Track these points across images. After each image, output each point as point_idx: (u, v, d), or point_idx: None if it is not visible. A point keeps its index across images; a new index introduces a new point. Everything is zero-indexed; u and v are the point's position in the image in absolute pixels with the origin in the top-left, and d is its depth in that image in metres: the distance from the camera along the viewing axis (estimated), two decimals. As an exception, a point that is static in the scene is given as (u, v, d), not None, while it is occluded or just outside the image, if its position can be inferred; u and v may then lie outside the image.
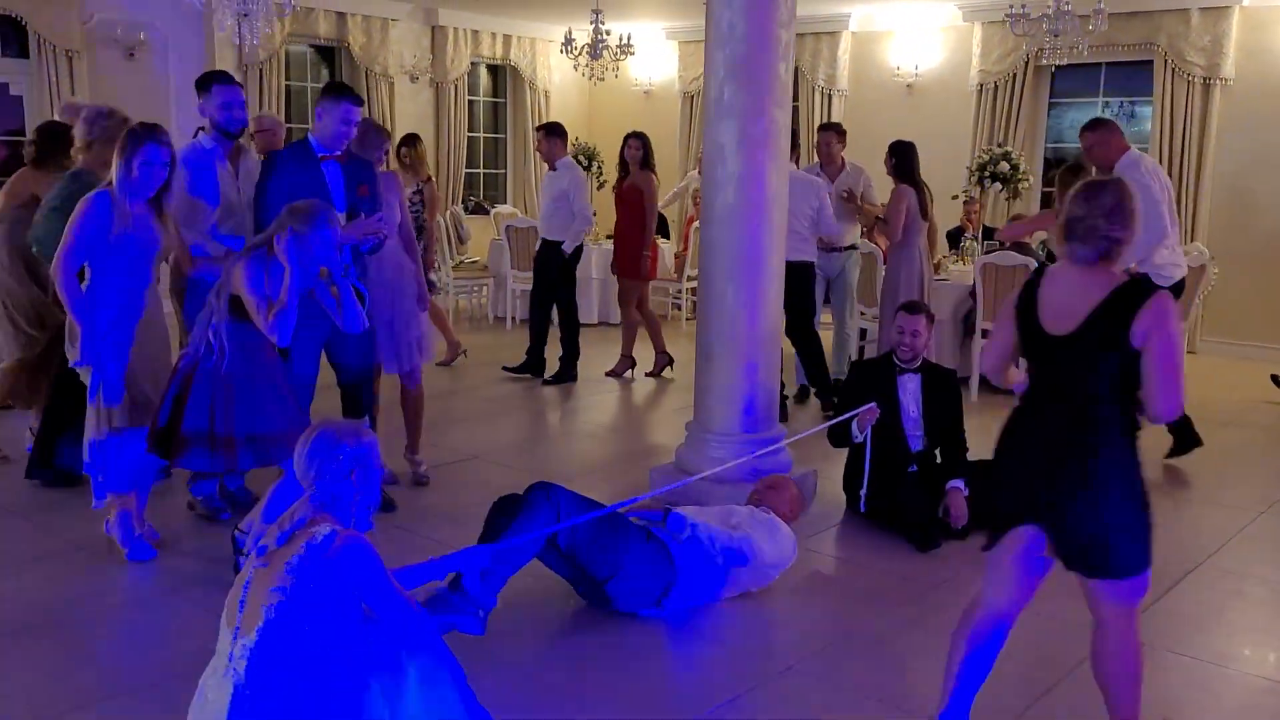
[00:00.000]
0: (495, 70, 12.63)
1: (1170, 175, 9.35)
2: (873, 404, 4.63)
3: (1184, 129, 9.19)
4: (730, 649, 3.57)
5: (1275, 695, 3.36)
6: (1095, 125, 5.73)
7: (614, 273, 7.95)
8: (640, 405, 7.31)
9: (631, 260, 7.63)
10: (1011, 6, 7.73)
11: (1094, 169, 5.56)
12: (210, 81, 4.59)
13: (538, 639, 3.60)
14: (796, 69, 9.53)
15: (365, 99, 11.12)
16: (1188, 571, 4.29)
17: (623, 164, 7.76)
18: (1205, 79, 9.04)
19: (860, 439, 4.69)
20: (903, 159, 6.75)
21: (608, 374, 7.85)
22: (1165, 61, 9.16)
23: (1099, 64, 9.69)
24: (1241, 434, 6.58)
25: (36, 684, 3.20)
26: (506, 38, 12.11)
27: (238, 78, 10.19)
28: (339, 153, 4.50)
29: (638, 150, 7.60)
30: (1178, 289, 5.72)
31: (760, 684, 3.30)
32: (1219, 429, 6.36)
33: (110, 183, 3.93)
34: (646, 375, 7.86)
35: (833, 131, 7.31)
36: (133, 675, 3.27)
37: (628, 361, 7.89)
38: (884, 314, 6.75)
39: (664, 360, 7.88)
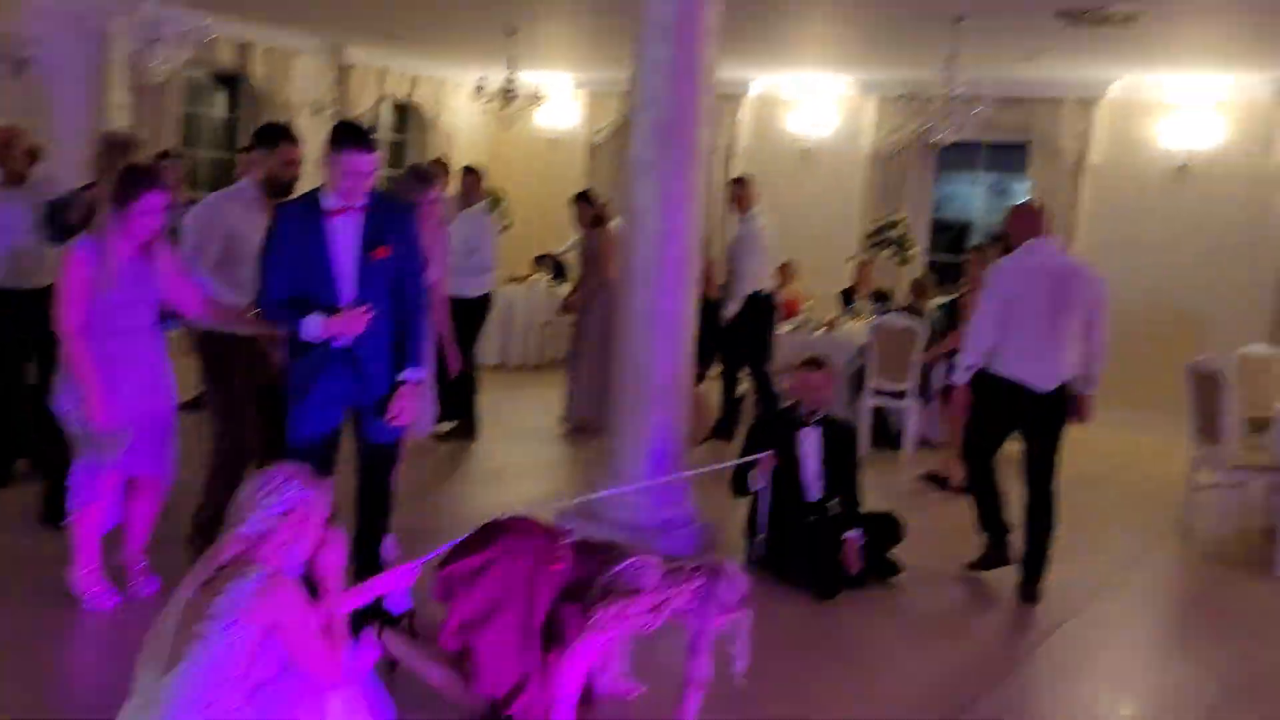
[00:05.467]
0: (400, 109, 12.62)
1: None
2: (770, 451, 4.84)
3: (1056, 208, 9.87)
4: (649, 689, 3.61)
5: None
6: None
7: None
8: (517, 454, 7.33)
9: None
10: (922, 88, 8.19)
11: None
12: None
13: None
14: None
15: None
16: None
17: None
18: (1074, 163, 9.76)
19: (757, 488, 4.87)
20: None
21: None
22: (1039, 145, 9.86)
23: (979, 143, 10.36)
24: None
25: None
26: (414, 78, 12.14)
27: (130, 100, 10.10)
28: (357, 205, 3.73)
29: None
30: None
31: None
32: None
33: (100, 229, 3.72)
34: None
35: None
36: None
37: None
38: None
39: None
